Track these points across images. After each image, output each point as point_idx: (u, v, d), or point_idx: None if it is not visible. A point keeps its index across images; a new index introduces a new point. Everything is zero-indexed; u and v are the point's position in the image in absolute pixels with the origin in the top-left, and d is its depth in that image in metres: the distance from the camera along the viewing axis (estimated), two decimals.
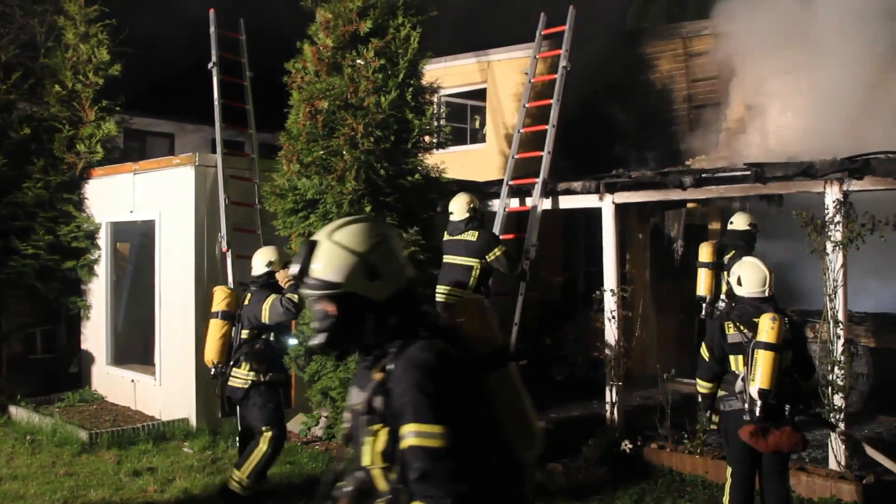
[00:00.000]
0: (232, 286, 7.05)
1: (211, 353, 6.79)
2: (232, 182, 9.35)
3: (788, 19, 10.48)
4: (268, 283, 6.75)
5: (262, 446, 6.55)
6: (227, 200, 9.14)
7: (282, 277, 6.73)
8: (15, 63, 11.60)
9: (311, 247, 2.59)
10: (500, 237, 8.61)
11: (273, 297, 6.51)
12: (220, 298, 6.82)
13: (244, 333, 6.70)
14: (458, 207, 8.21)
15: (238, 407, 6.84)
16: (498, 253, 8.07)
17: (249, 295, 6.75)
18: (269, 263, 6.81)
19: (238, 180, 9.51)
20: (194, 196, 9.38)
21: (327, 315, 2.59)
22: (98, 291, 11.12)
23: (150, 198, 10.19)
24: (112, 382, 10.85)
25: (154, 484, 7.44)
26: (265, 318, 6.51)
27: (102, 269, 11.05)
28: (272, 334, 6.76)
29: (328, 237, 2.60)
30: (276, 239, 9.34)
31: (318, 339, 2.63)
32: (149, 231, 10.19)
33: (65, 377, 11.30)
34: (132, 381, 10.44)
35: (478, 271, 8.03)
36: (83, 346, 11.38)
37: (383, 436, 2.52)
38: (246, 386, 6.60)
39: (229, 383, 6.74)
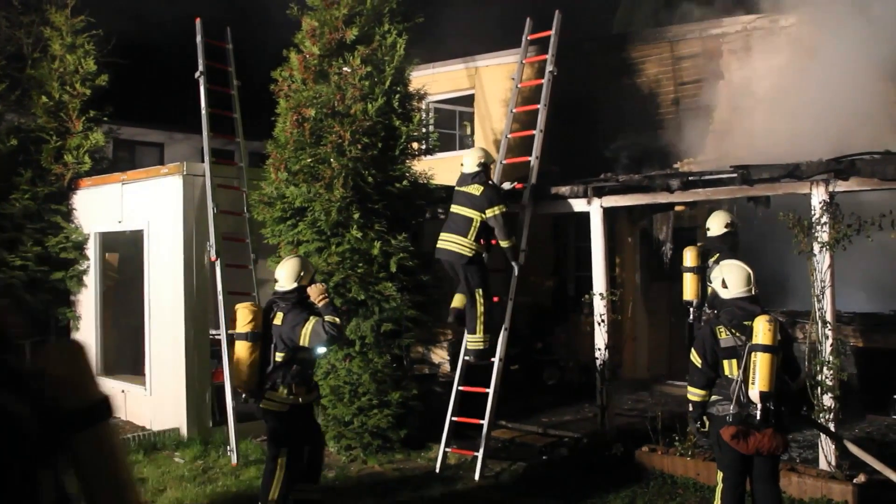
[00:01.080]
0: (257, 302, 6.46)
1: (242, 378, 6.25)
2: (220, 191, 9.33)
3: (777, 22, 10.54)
4: (300, 301, 6.25)
5: (281, 472, 6.18)
6: (216, 209, 9.12)
7: (314, 293, 6.23)
8: (1, 74, 11.58)
9: None
10: (504, 196, 8.70)
11: (313, 320, 6.05)
12: (245, 319, 6.22)
13: (279, 356, 6.18)
14: (469, 160, 8.44)
15: (274, 427, 6.33)
16: (497, 212, 8.20)
17: (281, 314, 6.20)
18: (299, 278, 6.31)
19: (226, 189, 9.49)
20: (183, 205, 9.35)
21: None
22: (87, 302, 11.08)
23: (139, 208, 10.17)
24: None
25: (145, 494, 7.40)
26: (305, 342, 6.05)
27: (91, 279, 11.02)
28: (308, 353, 6.27)
29: None
30: (265, 247, 9.36)
31: None
32: (138, 241, 10.15)
33: None
34: (122, 391, 10.39)
35: (478, 224, 8.20)
36: None
37: None
38: (285, 409, 6.16)
39: (265, 406, 6.23)
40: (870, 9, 9.60)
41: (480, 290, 8.31)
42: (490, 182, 8.47)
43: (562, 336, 12.21)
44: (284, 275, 6.34)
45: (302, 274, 6.33)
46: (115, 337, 11.11)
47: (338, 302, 8.40)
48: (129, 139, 16.41)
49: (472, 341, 8.43)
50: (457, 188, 8.49)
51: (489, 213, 8.18)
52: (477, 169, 8.37)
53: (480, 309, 8.31)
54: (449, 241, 8.29)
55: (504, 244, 8.37)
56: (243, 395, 6.40)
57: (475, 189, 8.28)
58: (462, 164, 8.52)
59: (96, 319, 10.92)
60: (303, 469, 6.37)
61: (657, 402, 10.64)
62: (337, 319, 6.08)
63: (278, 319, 6.20)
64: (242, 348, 6.20)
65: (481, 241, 8.26)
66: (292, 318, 6.13)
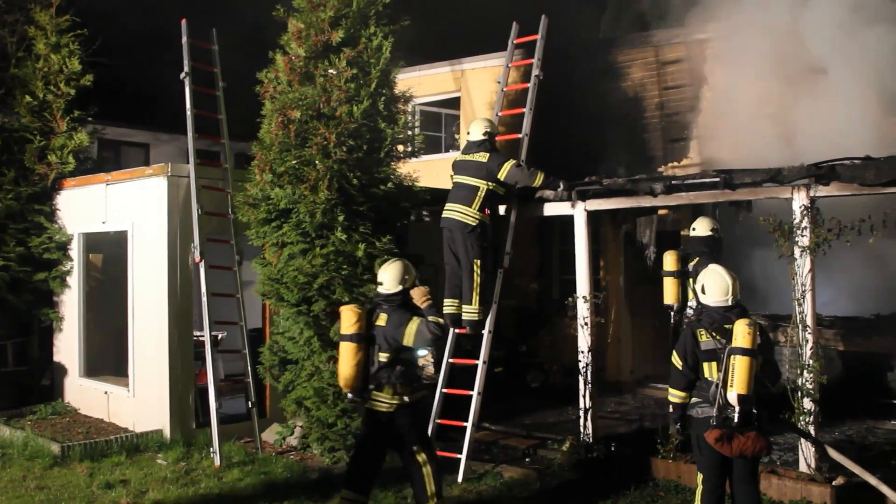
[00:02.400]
0: (357, 305, 6.42)
1: (347, 379, 6.16)
2: (205, 192, 9.30)
3: (760, 27, 10.60)
4: (404, 303, 6.27)
5: (427, 468, 6.25)
6: (200, 210, 9.09)
7: (418, 296, 6.27)
8: None
9: None
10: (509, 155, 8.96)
11: (418, 320, 6.09)
12: (351, 321, 6.13)
13: (382, 356, 6.19)
14: (476, 129, 8.80)
15: (379, 429, 6.32)
16: (508, 166, 8.52)
17: (385, 316, 6.22)
18: (404, 280, 6.31)
19: (211, 190, 9.47)
20: (167, 206, 9.33)
21: None
22: (70, 303, 11.04)
23: (123, 208, 10.14)
24: (85, 394, 10.76)
25: (127, 496, 7.38)
26: (409, 342, 6.09)
27: (75, 280, 10.98)
28: (410, 353, 6.30)
29: None
30: (249, 249, 9.35)
31: None
32: (122, 242, 10.12)
33: (37, 390, 11.19)
34: (105, 392, 10.36)
35: (483, 193, 8.53)
36: (56, 359, 11.29)
37: None
38: (392, 409, 6.18)
39: (371, 406, 6.25)
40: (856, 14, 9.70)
41: (478, 262, 8.52)
42: (496, 150, 8.80)
43: (546, 339, 12.26)
44: (389, 278, 6.32)
45: (406, 277, 6.35)
46: (98, 338, 11.06)
47: (322, 304, 8.43)
48: (115, 139, 16.35)
49: (467, 312, 8.60)
50: (460, 158, 8.83)
51: (502, 173, 8.50)
52: (483, 137, 8.72)
53: (477, 280, 8.50)
54: (454, 211, 8.58)
55: (537, 183, 8.64)
56: (349, 396, 6.29)
57: (481, 157, 8.62)
58: (468, 133, 8.92)
59: (79, 320, 10.88)
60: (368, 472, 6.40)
61: (640, 405, 10.70)
62: (441, 320, 6.15)
63: (382, 321, 6.22)
64: (348, 349, 6.14)
65: (486, 210, 8.55)
66: (396, 318, 6.16)
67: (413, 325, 6.08)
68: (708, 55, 11.42)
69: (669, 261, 8.25)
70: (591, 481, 7.63)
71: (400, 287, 6.29)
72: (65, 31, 11.65)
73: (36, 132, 11.36)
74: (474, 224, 8.48)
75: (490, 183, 8.56)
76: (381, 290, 6.36)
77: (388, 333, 6.16)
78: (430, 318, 6.11)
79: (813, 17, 9.76)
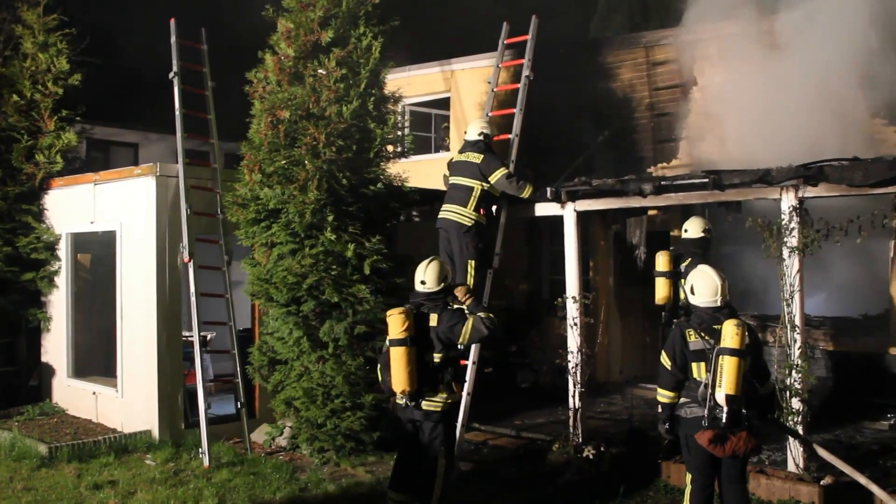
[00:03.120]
0: (403, 309, 6.23)
1: (404, 384, 6.01)
2: (194, 192, 9.26)
3: (748, 28, 10.64)
4: (447, 301, 6.30)
5: (442, 472, 6.21)
6: (189, 210, 9.06)
7: (461, 294, 6.33)
8: None
9: None
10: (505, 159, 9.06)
11: (472, 318, 6.10)
12: (401, 325, 6.03)
13: (437, 357, 6.18)
14: (473, 128, 8.93)
15: (425, 430, 6.26)
16: (499, 175, 8.54)
17: (435, 315, 6.18)
18: (444, 279, 6.32)
19: (200, 190, 9.43)
20: (156, 206, 9.29)
21: None
22: (58, 303, 10.98)
23: (111, 208, 10.09)
24: (73, 395, 10.71)
25: (115, 497, 7.36)
26: (464, 339, 6.12)
27: (63, 280, 10.92)
28: (456, 350, 6.35)
29: None
30: (239, 249, 9.32)
31: None
32: (110, 242, 10.07)
33: (25, 390, 11.13)
34: (94, 393, 10.31)
35: (478, 193, 8.60)
36: (44, 359, 11.23)
37: None
38: (446, 408, 6.19)
39: (427, 408, 6.15)
40: (841, 16, 9.72)
41: (472, 263, 8.53)
42: (491, 150, 8.82)
43: (536, 339, 12.25)
44: (431, 277, 6.29)
45: (447, 275, 6.38)
46: (86, 338, 11.01)
47: (311, 304, 8.41)
48: (104, 139, 16.26)
49: None
50: (456, 158, 8.92)
51: (493, 178, 8.54)
52: (478, 138, 8.79)
53: (470, 282, 8.46)
54: (449, 212, 8.65)
55: (525, 195, 8.67)
56: (402, 401, 6.17)
57: (475, 157, 8.66)
58: (465, 133, 9.01)
59: (67, 321, 10.83)
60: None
61: (629, 405, 10.70)
62: (492, 315, 6.16)
63: (433, 321, 6.19)
64: (401, 354, 6.02)
65: (481, 210, 8.57)
66: (448, 318, 6.16)
67: (469, 324, 6.09)
68: (698, 55, 11.45)
69: (662, 261, 8.26)
70: (581, 481, 7.63)
71: (442, 285, 6.30)
72: (52, 30, 11.59)
73: (23, 131, 11.29)
74: (470, 224, 8.52)
75: (484, 183, 8.60)
76: (422, 289, 6.32)
77: (442, 333, 6.15)
78: (482, 315, 6.12)
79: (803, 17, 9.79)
